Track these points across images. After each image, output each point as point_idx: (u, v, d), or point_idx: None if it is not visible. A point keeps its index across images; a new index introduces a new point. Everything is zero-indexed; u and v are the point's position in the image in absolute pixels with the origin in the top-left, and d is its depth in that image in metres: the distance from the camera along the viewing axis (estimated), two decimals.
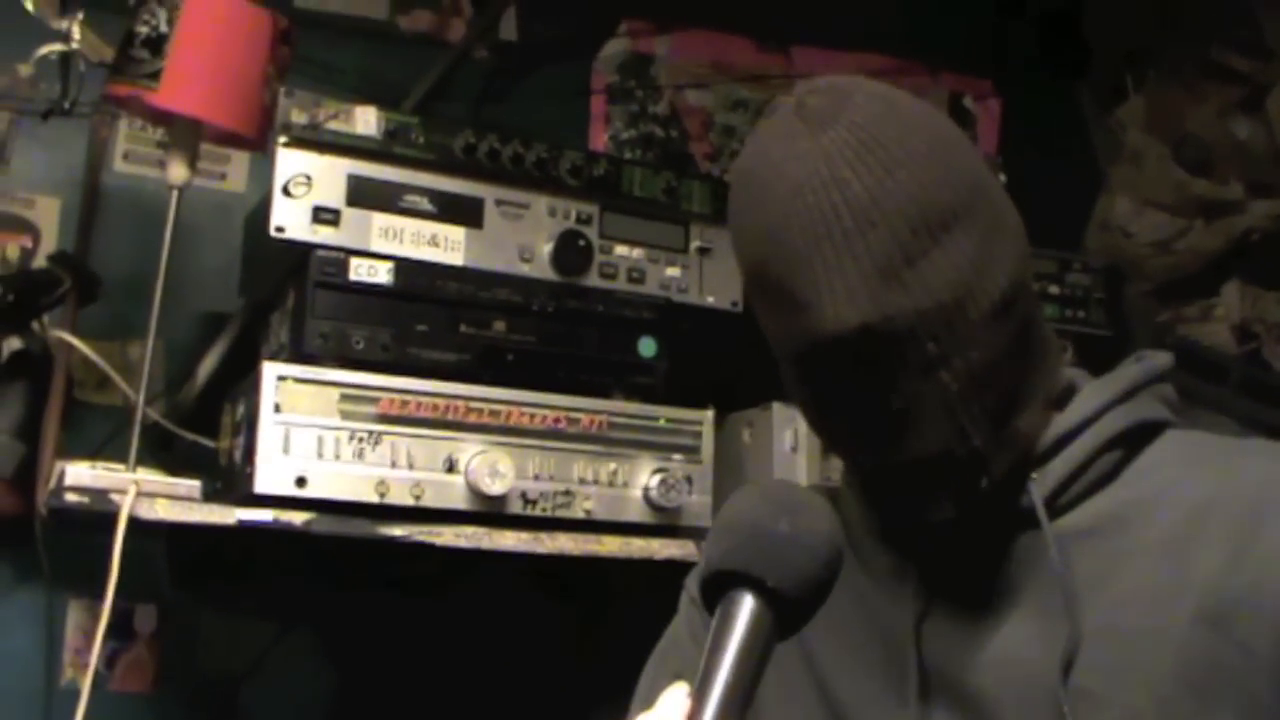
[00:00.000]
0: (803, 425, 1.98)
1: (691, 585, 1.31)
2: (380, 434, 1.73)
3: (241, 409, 1.79)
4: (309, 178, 1.78)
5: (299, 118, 1.78)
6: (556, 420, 1.84)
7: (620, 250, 1.96)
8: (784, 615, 0.87)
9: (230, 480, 1.81)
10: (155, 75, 1.73)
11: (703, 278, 2.00)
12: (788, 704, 1.20)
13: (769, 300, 1.07)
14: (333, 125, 1.79)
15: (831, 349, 1.02)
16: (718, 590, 0.88)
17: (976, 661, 1.08)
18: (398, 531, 1.71)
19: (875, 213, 1.00)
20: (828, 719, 1.17)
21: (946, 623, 1.11)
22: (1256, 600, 0.99)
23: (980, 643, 1.08)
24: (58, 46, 1.90)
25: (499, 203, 1.89)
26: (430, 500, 1.74)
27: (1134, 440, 1.10)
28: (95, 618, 1.69)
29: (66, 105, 1.94)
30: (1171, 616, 1.01)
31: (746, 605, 0.86)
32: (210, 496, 1.74)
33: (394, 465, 1.73)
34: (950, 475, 1.06)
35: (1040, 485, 1.08)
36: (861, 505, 1.18)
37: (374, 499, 1.71)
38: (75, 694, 1.67)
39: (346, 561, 2.03)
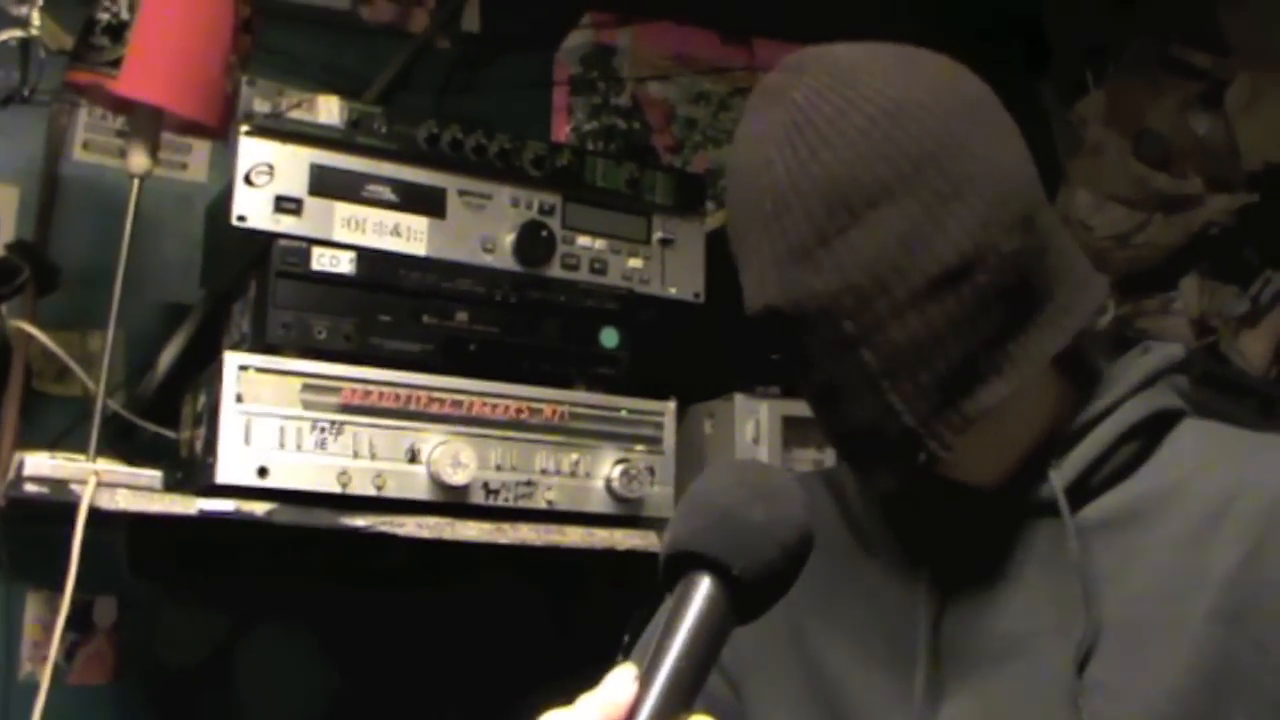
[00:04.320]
0: (764, 416, 1.99)
1: None
2: (342, 424, 1.73)
3: (203, 399, 1.78)
4: (271, 167, 1.77)
5: (261, 106, 1.77)
6: (519, 410, 1.84)
7: (583, 241, 1.96)
8: (743, 604, 0.85)
9: (191, 471, 1.81)
10: (116, 63, 1.72)
11: (665, 269, 2.01)
12: (774, 686, 1.18)
13: None
14: (295, 114, 1.79)
15: (761, 327, 1.04)
16: (679, 569, 0.86)
17: (989, 651, 1.06)
18: (360, 522, 1.71)
19: (792, 195, 1.00)
20: (817, 701, 1.15)
21: (960, 611, 1.09)
22: (1273, 597, 0.98)
23: (994, 633, 1.07)
24: (16, 33, 1.88)
25: (462, 193, 1.89)
26: (392, 490, 1.73)
27: (1153, 430, 1.08)
28: (54, 610, 1.67)
29: (25, 93, 1.92)
30: (1187, 611, 1.00)
31: (705, 589, 0.83)
32: (171, 487, 1.73)
33: (356, 455, 1.72)
34: (882, 451, 1.04)
35: (1060, 475, 1.06)
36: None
37: (336, 489, 1.71)
38: (34, 687, 1.65)
39: (309, 553, 2.03)
